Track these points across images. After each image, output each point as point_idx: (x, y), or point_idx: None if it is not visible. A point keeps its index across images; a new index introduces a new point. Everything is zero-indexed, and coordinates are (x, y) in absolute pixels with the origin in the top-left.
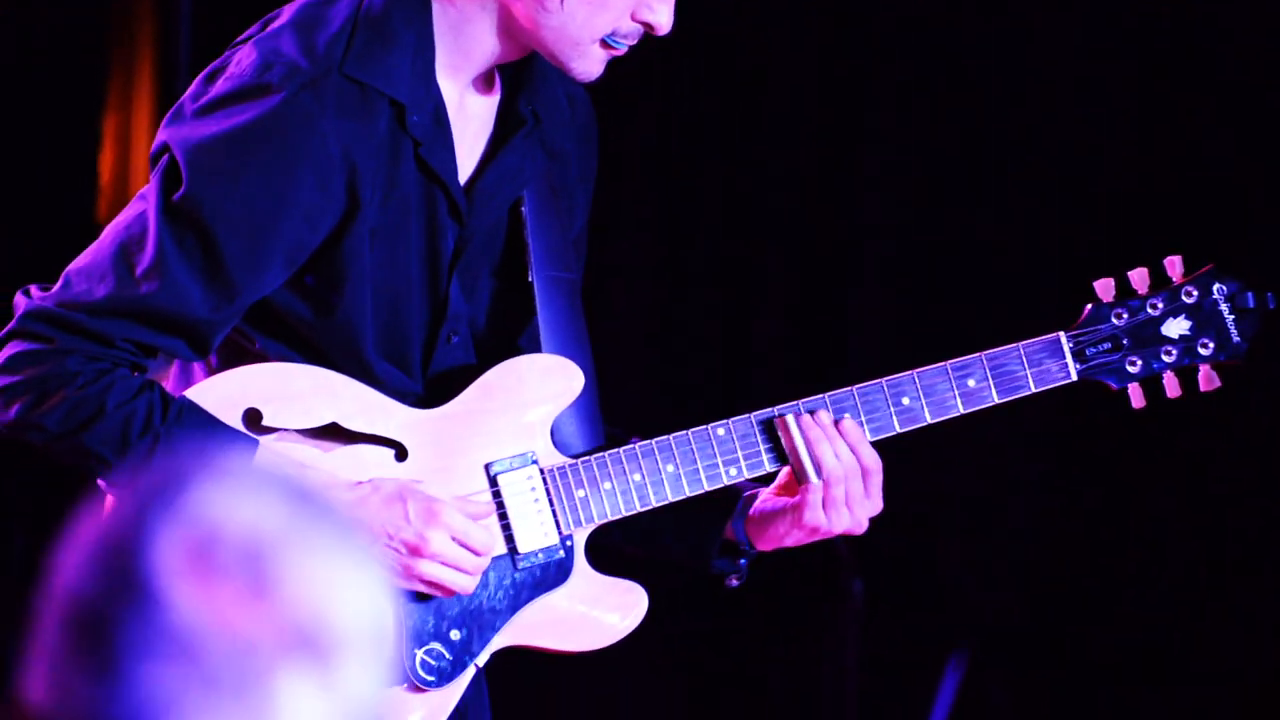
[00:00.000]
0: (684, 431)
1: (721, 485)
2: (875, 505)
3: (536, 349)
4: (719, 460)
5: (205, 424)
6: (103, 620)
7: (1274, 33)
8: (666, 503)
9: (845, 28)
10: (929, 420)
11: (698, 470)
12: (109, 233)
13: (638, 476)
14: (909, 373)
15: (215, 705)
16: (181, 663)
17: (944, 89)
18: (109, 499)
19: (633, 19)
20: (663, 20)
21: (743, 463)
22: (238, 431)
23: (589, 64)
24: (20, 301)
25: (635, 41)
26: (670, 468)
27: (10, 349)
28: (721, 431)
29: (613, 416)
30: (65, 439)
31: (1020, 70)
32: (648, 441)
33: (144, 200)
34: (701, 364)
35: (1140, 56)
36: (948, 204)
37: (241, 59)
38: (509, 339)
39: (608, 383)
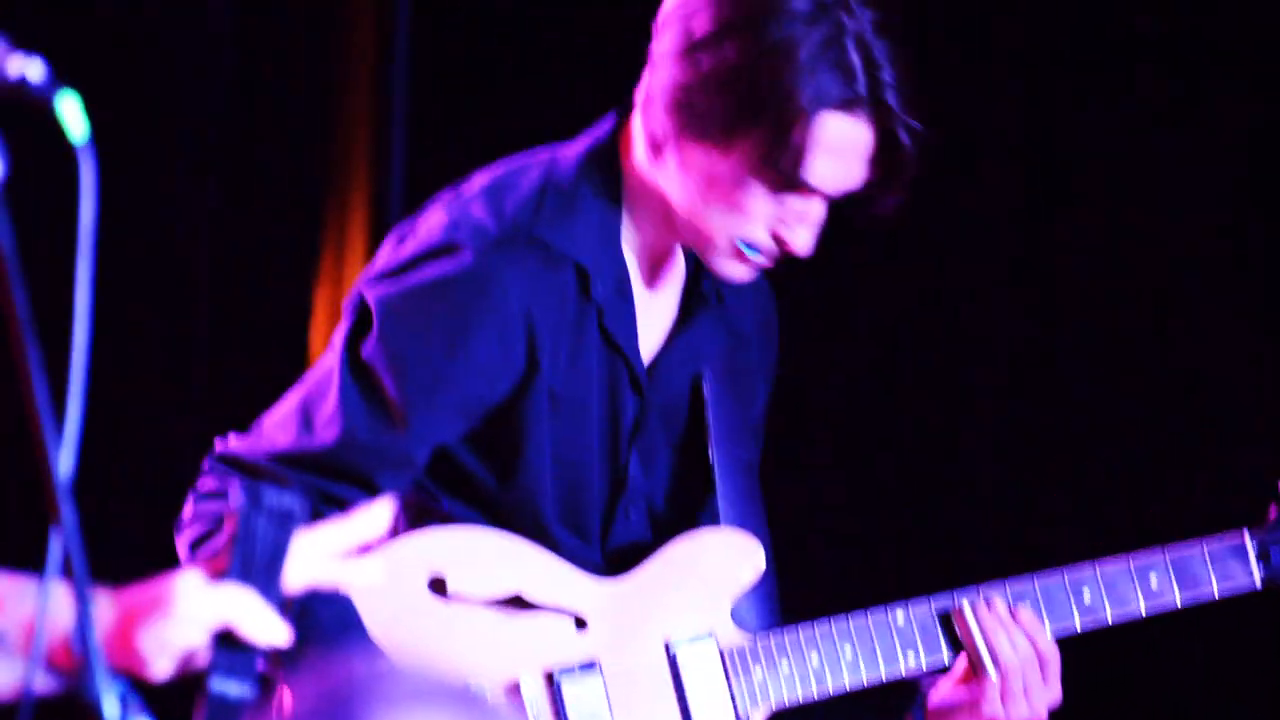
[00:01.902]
0: (863, 614)
1: (899, 675)
2: (1054, 695)
3: (713, 524)
4: (897, 648)
5: (343, 613)
6: None
7: None
8: (844, 690)
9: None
10: (1110, 621)
11: (876, 657)
12: (299, 385)
13: (816, 660)
14: (1090, 564)
15: None
16: None
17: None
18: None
19: (771, 235)
20: (800, 243)
21: (921, 652)
22: (365, 632)
23: (726, 265)
24: (216, 445)
25: (772, 258)
26: (849, 652)
27: (200, 487)
28: (900, 618)
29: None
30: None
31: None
32: (826, 621)
33: (331, 352)
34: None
35: None
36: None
37: (431, 220)
38: (687, 514)
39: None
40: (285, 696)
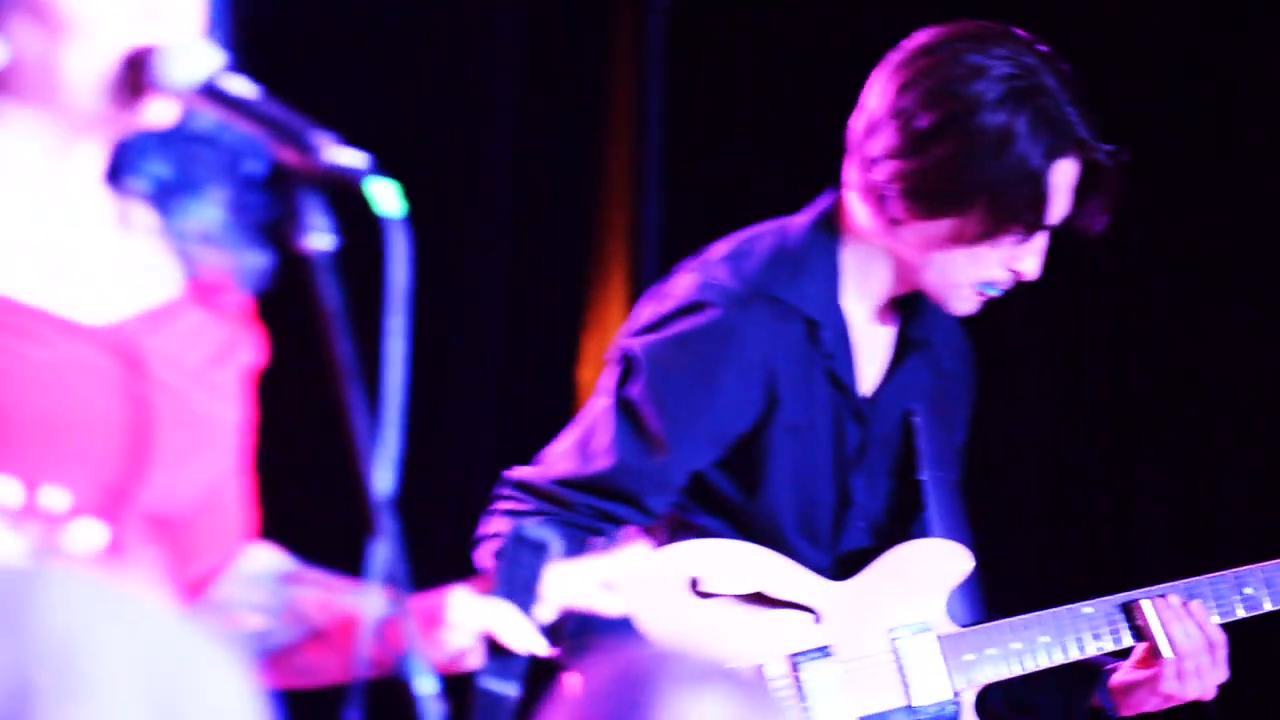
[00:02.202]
0: (1058, 608)
1: (1086, 657)
2: (1221, 674)
3: (925, 535)
4: (1086, 634)
5: None
6: None
7: None
8: (1040, 669)
9: None
10: (1267, 608)
11: (1068, 642)
12: (577, 422)
13: (1017, 645)
14: (1254, 566)
15: None
16: None
17: None
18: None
19: (1003, 268)
20: (1031, 269)
21: (1106, 637)
22: (634, 628)
23: (964, 304)
24: (509, 474)
25: (1009, 286)
26: (1044, 638)
27: (496, 506)
28: (1089, 610)
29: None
30: None
31: None
32: (1026, 615)
33: (602, 395)
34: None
35: None
36: None
37: (684, 282)
38: (903, 526)
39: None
40: (576, 679)
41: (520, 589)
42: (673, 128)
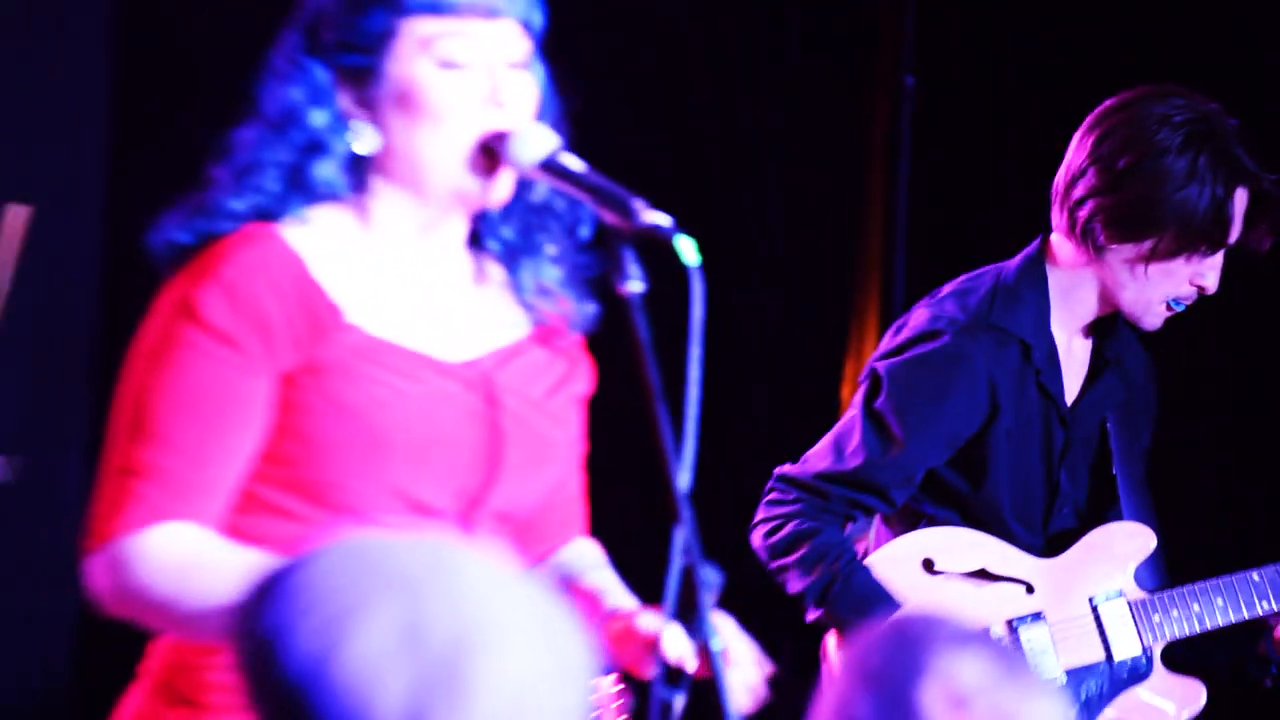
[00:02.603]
0: (1229, 575)
1: (1257, 616)
2: None
3: (1120, 519)
4: (1254, 598)
5: (869, 581)
6: None
7: None
8: (1217, 627)
9: None
10: None
11: (1239, 604)
12: (833, 430)
13: (1196, 607)
14: None
15: None
16: None
17: None
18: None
19: (1190, 284)
20: (1212, 284)
21: (1272, 600)
22: (887, 592)
23: (1155, 320)
24: (777, 471)
25: (1191, 301)
26: (1219, 601)
27: (768, 497)
28: (1256, 577)
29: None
30: (781, 556)
31: None
32: (1204, 582)
33: (854, 408)
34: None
35: None
36: None
37: (919, 315)
38: (1101, 511)
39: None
40: (850, 640)
41: (683, 617)
42: (916, 194)
